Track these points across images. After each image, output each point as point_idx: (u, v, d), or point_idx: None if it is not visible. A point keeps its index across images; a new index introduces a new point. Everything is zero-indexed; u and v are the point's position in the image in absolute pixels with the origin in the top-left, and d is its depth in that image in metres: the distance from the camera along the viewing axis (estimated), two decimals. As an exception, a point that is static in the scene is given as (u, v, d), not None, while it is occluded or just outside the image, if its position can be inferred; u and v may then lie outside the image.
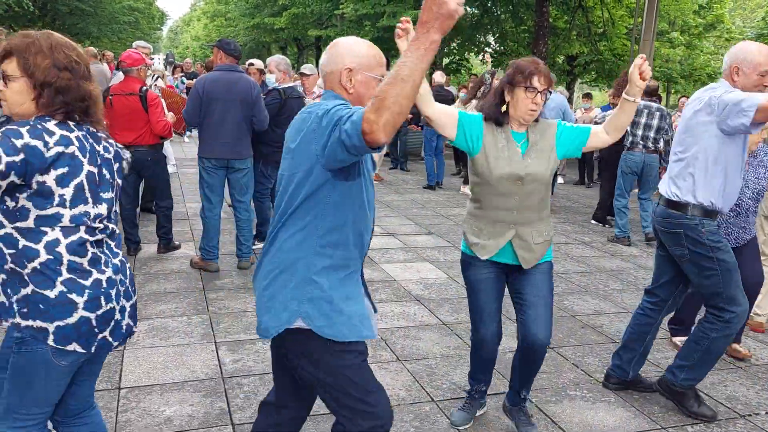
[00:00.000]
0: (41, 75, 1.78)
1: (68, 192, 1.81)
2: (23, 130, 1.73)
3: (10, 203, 1.77)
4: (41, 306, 1.81)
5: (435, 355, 3.88)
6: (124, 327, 2.02)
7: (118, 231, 2.03)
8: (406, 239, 6.71)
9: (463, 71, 23.13)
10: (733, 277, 3.11)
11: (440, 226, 7.43)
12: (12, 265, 1.80)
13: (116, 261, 1.98)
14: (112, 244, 1.99)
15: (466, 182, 10.43)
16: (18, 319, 1.82)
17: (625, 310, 4.89)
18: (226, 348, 3.84)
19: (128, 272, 2.05)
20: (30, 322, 1.82)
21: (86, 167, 1.85)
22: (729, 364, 3.97)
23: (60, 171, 1.78)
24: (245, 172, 5.30)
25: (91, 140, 1.90)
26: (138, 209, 5.96)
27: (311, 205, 1.91)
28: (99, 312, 1.89)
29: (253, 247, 5.91)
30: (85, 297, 1.86)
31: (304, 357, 1.98)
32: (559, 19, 19.17)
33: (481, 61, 24.21)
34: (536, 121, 2.77)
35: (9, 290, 1.83)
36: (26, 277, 1.80)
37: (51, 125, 1.80)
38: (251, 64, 7.36)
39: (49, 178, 1.76)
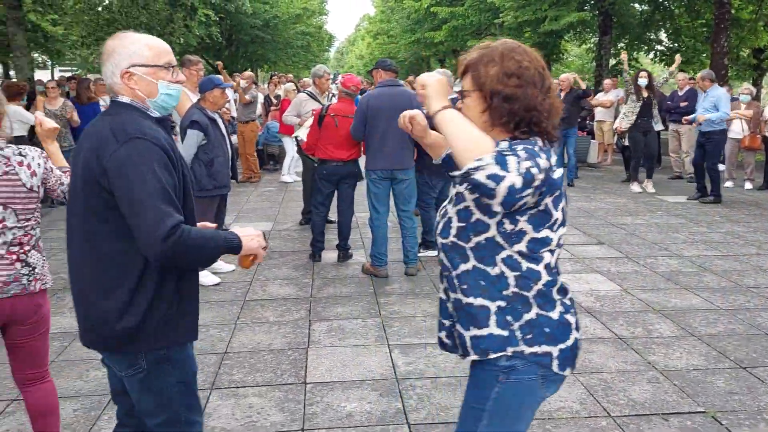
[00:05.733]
0: (490, 84, 1.69)
1: (558, 216, 1.71)
2: (535, 149, 1.62)
3: (509, 225, 1.68)
4: (547, 329, 1.72)
5: (610, 369, 3.74)
6: None
7: None
8: (573, 249, 6.51)
9: (631, 72, 21.83)
10: None
11: (611, 235, 7.11)
12: (516, 289, 1.72)
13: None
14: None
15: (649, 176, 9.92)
16: (521, 347, 1.71)
17: (834, 330, 4.34)
18: (399, 351, 4.01)
19: None
20: (535, 348, 1.71)
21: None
22: None
23: (556, 193, 1.68)
24: (408, 182, 5.50)
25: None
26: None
27: None
28: (580, 334, 1.82)
29: (419, 254, 6.10)
30: (575, 317, 1.79)
31: None
32: (742, 9, 17.40)
33: (651, 60, 22.69)
34: None
35: (509, 317, 1.72)
36: (531, 300, 1.72)
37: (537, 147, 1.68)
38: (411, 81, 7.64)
39: (550, 200, 1.67)
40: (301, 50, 32.13)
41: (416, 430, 3.11)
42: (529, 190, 1.51)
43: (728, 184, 10.31)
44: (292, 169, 10.71)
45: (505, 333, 1.70)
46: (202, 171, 4.98)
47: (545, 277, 1.71)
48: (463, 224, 1.72)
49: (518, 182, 1.47)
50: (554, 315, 1.72)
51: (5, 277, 2.44)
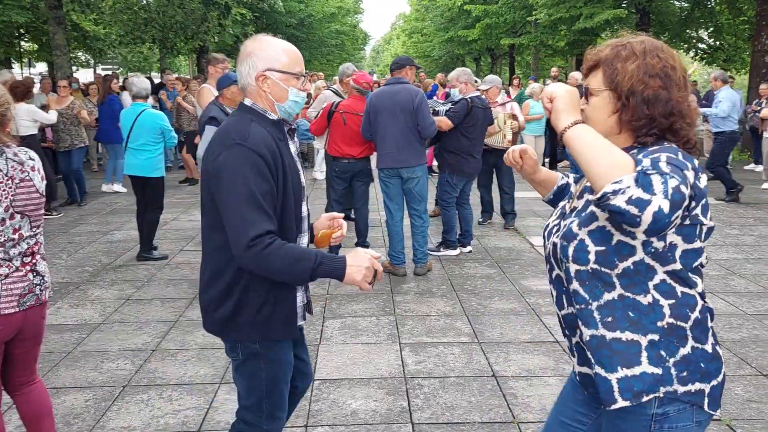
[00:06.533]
0: (627, 82, 1.49)
1: (708, 223, 1.48)
2: (679, 156, 1.40)
3: (658, 243, 1.45)
4: (702, 365, 1.51)
5: None
6: None
7: None
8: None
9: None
10: None
11: None
12: (672, 320, 1.49)
13: None
14: None
15: None
16: (675, 386, 1.49)
17: None
18: (409, 349, 3.99)
19: None
20: (689, 387, 1.49)
21: None
22: None
23: (703, 201, 1.45)
24: (417, 181, 5.38)
25: None
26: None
27: None
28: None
29: (438, 253, 6.07)
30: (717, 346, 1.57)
31: None
32: (788, 5, 16.81)
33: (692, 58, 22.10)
34: None
35: (663, 352, 1.49)
36: (688, 332, 1.50)
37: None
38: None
39: (699, 210, 1.45)
40: (335, 49, 32.33)
41: (419, 429, 3.09)
42: (678, 212, 1.28)
43: (766, 185, 9.99)
44: (323, 165, 10.78)
45: (659, 371, 1.47)
46: (220, 167, 5.03)
47: (701, 303, 1.52)
48: (603, 248, 1.48)
49: (666, 206, 1.25)
50: (709, 348, 1.52)
51: (21, 290, 2.35)
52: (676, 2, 19.12)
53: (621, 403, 1.49)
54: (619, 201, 1.26)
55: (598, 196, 1.30)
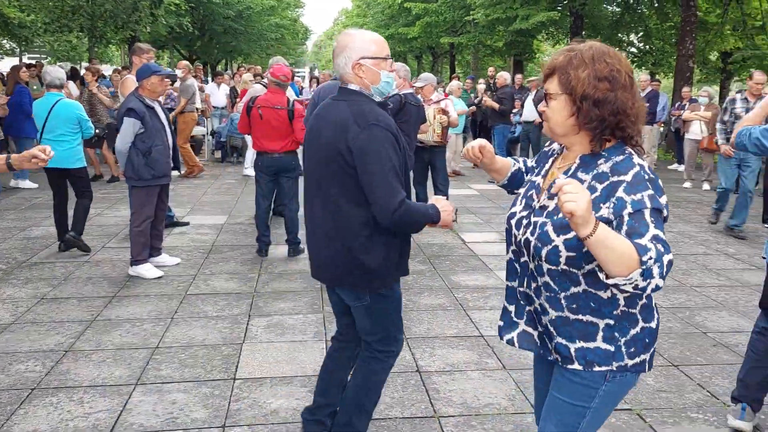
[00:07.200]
0: (580, 89, 1.68)
1: (666, 214, 1.74)
2: (659, 198, 1.67)
3: None
4: (647, 340, 1.79)
5: (544, 366, 3.73)
6: None
7: None
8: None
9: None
10: None
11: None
12: (625, 308, 1.75)
13: None
14: None
15: None
16: (626, 361, 1.77)
17: (768, 329, 4.39)
18: (335, 347, 3.95)
19: None
20: (635, 360, 1.78)
21: None
22: None
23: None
24: None
25: None
26: (270, 213, 6.32)
27: None
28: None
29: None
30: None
31: None
32: (710, 13, 17.66)
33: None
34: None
35: (617, 333, 1.76)
36: (638, 316, 1.77)
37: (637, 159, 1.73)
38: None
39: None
40: (275, 42, 31.81)
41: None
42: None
43: (687, 184, 10.46)
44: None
45: (612, 348, 1.75)
46: (140, 160, 4.86)
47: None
48: (573, 254, 1.69)
49: (661, 283, 1.54)
50: (653, 324, 1.80)
51: None
52: (608, 6, 19.76)
53: (576, 366, 1.78)
54: (628, 287, 1.54)
55: (612, 282, 1.55)
